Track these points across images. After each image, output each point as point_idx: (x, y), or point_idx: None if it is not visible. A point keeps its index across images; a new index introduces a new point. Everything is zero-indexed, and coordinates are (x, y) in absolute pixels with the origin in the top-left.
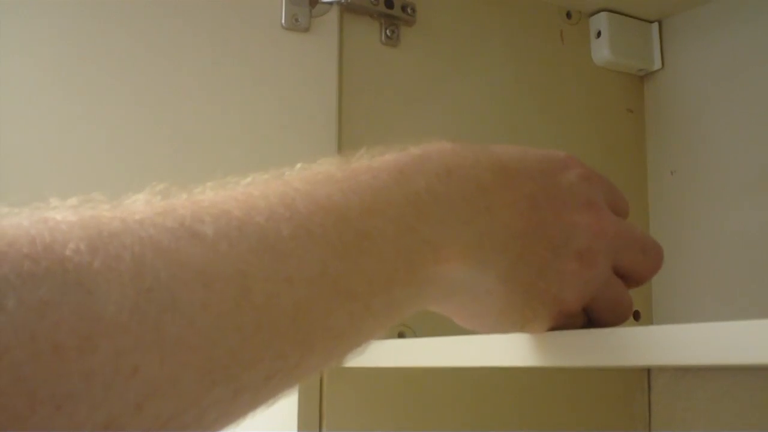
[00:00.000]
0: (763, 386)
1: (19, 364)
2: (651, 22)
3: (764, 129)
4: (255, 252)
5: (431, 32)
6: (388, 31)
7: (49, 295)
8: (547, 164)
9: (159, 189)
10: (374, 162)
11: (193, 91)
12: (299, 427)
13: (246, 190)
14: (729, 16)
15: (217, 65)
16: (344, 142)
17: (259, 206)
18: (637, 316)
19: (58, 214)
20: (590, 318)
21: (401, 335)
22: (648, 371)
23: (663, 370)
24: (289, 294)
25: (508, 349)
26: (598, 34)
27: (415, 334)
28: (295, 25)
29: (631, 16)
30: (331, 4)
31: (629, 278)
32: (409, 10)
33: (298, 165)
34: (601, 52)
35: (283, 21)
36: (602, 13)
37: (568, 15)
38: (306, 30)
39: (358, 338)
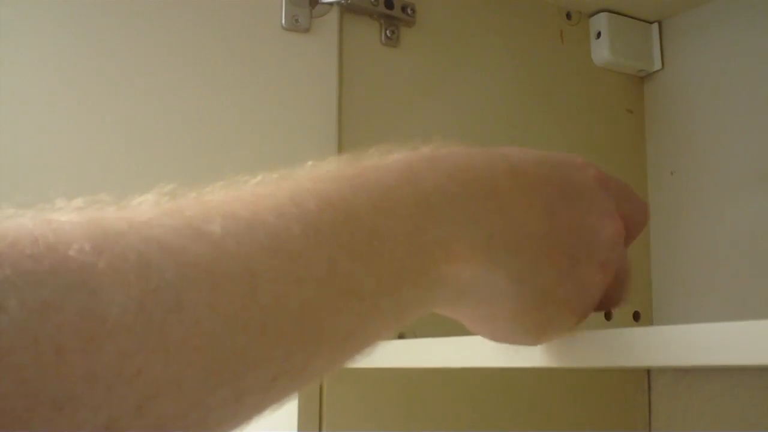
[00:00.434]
0: (763, 387)
1: (21, 366)
2: (651, 22)
3: (764, 129)
4: (264, 251)
5: (431, 33)
6: (388, 31)
7: (51, 296)
8: (564, 169)
9: (167, 190)
10: (385, 160)
11: (193, 92)
12: (299, 427)
13: (255, 190)
14: (729, 16)
15: (218, 66)
16: (344, 142)
17: (268, 205)
18: (637, 316)
19: (63, 215)
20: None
21: (401, 336)
22: (648, 372)
23: (663, 370)
24: (297, 294)
25: (508, 351)
26: (598, 34)
27: (415, 335)
28: (295, 25)
29: (631, 17)
30: (331, 4)
31: (603, 299)
32: (409, 11)
33: (309, 163)
34: (601, 52)
35: (283, 21)
36: (602, 14)
37: (568, 15)
38: (306, 30)
39: (365, 339)
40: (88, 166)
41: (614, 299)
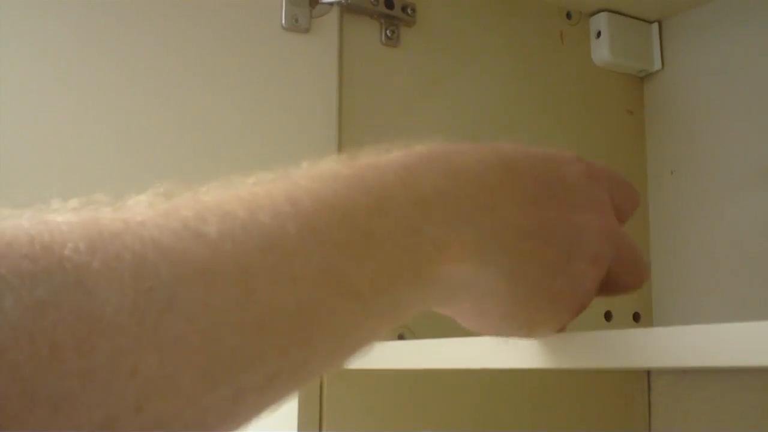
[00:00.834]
0: (763, 388)
1: (18, 365)
2: (651, 22)
3: (764, 129)
4: (260, 250)
5: (431, 32)
6: (388, 31)
7: (47, 295)
8: (551, 163)
9: (162, 190)
10: (380, 160)
11: (193, 92)
12: (299, 427)
13: (251, 189)
14: (729, 16)
15: (217, 66)
16: (344, 142)
17: (264, 205)
18: (637, 317)
19: (59, 215)
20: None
21: (401, 337)
22: (648, 373)
23: (663, 371)
24: (292, 293)
25: (508, 351)
26: (598, 34)
27: (415, 336)
28: (295, 25)
29: (631, 17)
30: (331, 4)
31: (612, 286)
32: (409, 11)
33: (304, 163)
34: (601, 52)
35: (283, 22)
36: (602, 14)
37: (568, 15)
38: (306, 31)
39: (360, 339)
40: (88, 166)
41: (628, 282)
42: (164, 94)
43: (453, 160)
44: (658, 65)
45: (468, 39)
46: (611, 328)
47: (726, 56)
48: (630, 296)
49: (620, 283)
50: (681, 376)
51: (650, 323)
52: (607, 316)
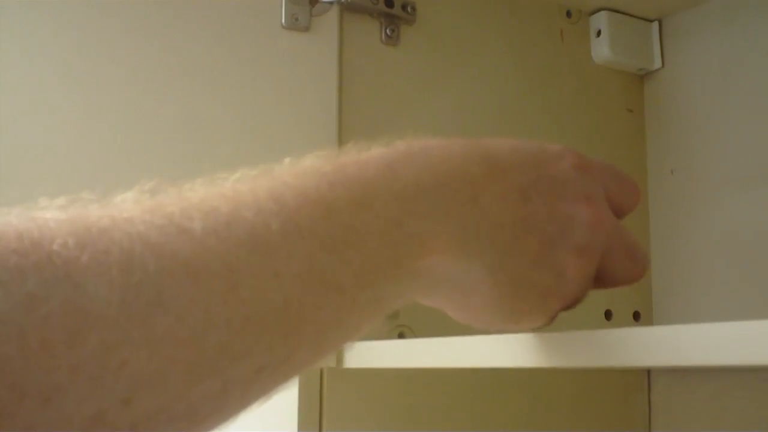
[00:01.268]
0: (763, 387)
1: (7, 358)
2: (651, 21)
3: (764, 128)
4: (243, 247)
5: (431, 31)
6: (388, 30)
7: (36, 289)
8: (540, 156)
9: (148, 187)
10: (362, 155)
11: (193, 91)
12: (299, 427)
13: (235, 186)
14: (729, 15)
15: (217, 65)
16: (344, 141)
17: (248, 201)
18: (637, 316)
19: (47, 212)
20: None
21: (401, 336)
22: (648, 372)
23: (663, 370)
24: (277, 288)
25: (507, 350)
26: (598, 33)
27: (415, 335)
28: (295, 24)
29: (631, 15)
30: (331, 3)
31: (609, 279)
32: (409, 9)
33: (287, 160)
34: (601, 51)
35: (283, 20)
36: (602, 12)
37: (568, 14)
38: (306, 29)
39: (345, 332)
40: (88, 165)
41: (624, 275)
42: (164, 93)
43: (434, 155)
44: (658, 64)
45: (468, 38)
46: (611, 327)
47: (726, 55)
48: (630, 295)
49: (617, 276)
50: (681, 375)
51: (650, 322)
52: (607, 314)
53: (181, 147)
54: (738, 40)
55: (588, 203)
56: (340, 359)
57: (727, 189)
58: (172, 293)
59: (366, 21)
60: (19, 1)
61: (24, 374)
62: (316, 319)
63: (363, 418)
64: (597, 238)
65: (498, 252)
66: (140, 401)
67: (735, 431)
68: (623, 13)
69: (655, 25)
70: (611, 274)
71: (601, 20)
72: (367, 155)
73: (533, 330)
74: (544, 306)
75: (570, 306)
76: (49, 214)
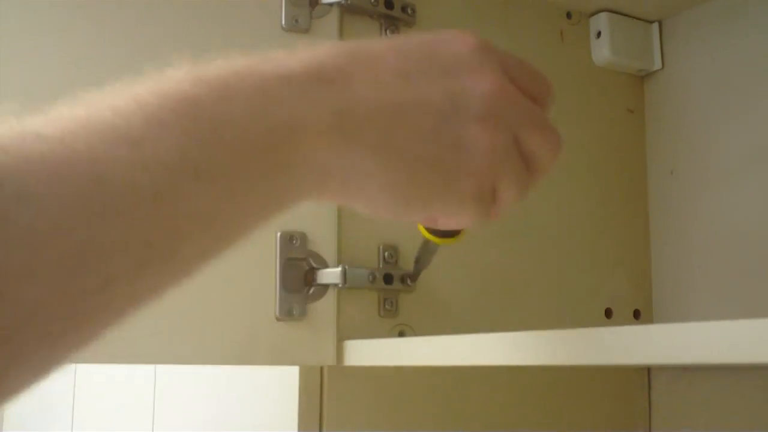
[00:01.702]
0: (763, 385)
1: None
2: (651, 22)
3: (764, 128)
4: (105, 141)
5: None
6: (388, 31)
7: None
8: (428, 40)
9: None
10: (222, 62)
11: None
12: (299, 427)
13: (94, 96)
14: (729, 16)
15: None
16: None
17: (109, 105)
18: (637, 314)
19: None
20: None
21: (401, 334)
22: (648, 370)
23: (663, 368)
24: (147, 180)
25: (507, 348)
26: (598, 34)
27: (415, 333)
28: (295, 26)
29: (631, 16)
30: (331, 5)
31: (530, 158)
32: (408, 11)
33: (148, 74)
34: (601, 52)
35: (283, 22)
36: (602, 13)
37: (568, 15)
38: (306, 31)
39: (231, 223)
40: None
41: (543, 151)
42: None
43: (304, 54)
44: (658, 65)
45: None
46: (611, 325)
47: (726, 56)
48: (630, 294)
49: (537, 154)
50: (681, 373)
51: (650, 320)
52: (608, 313)
53: None
54: (738, 40)
55: (482, 75)
56: (340, 357)
57: (727, 189)
58: (34, 190)
59: (366, 23)
60: (21, 3)
61: None
62: (192, 210)
63: (363, 415)
64: (498, 108)
65: (379, 132)
66: (11, 294)
67: (735, 429)
68: (623, 14)
69: (655, 26)
70: (530, 154)
71: (601, 21)
72: (226, 62)
73: (471, 223)
74: (451, 185)
75: (483, 185)
76: None
